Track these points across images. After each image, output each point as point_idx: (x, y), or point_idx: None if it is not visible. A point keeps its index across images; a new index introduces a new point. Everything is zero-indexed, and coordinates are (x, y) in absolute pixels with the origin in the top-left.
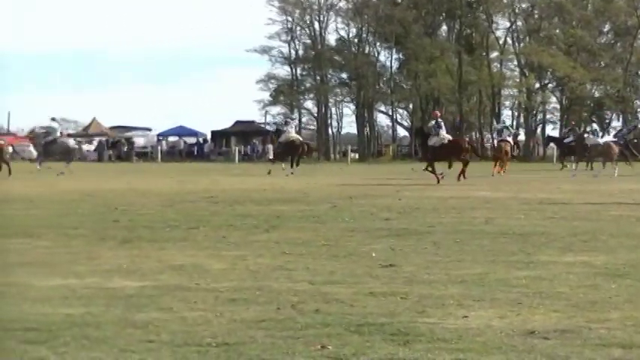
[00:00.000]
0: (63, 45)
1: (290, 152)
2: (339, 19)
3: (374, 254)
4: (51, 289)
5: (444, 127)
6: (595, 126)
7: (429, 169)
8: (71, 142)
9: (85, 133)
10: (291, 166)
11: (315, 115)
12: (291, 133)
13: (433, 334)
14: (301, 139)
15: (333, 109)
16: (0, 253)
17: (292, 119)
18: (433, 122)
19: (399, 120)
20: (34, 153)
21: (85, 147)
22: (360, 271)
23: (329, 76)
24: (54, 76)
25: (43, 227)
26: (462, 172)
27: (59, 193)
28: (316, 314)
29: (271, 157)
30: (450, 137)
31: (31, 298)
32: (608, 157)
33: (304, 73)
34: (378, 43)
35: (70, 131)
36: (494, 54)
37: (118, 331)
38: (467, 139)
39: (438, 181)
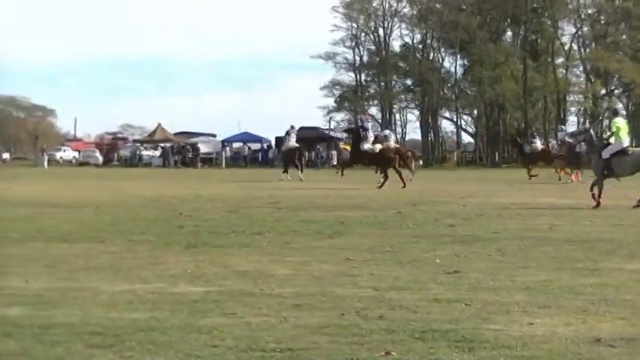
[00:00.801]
0: (130, 52)
1: (291, 158)
2: (404, 25)
3: (438, 260)
4: (117, 293)
5: (371, 132)
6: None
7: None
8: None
9: (151, 139)
10: (300, 172)
11: (380, 121)
12: (291, 141)
13: (498, 341)
14: (297, 145)
15: (397, 115)
16: (68, 258)
17: (293, 129)
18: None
19: (463, 126)
20: (100, 159)
21: (150, 153)
22: (425, 278)
23: (393, 82)
24: (120, 82)
25: (109, 232)
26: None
27: (125, 199)
28: (380, 320)
29: (335, 163)
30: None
31: (98, 302)
32: None
33: (368, 79)
34: (442, 49)
35: (136, 137)
36: (560, 60)
37: (183, 335)
38: (396, 146)
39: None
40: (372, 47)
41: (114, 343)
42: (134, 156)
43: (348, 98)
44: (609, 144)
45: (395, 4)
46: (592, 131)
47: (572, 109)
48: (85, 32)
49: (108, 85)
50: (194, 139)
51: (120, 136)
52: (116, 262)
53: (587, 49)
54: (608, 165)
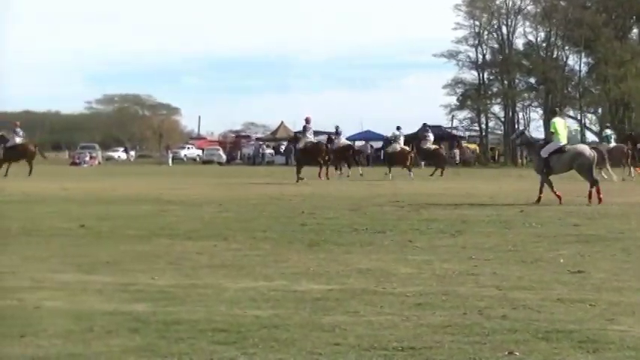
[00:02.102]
0: (252, 50)
1: (312, 156)
2: (527, 23)
3: (562, 260)
4: (240, 291)
5: (312, 132)
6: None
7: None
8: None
9: (273, 138)
10: (324, 171)
11: (502, 119)
12: (309, 137)
13: (623, 343)
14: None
15: (521, 114)
16: (192, 256)
17: (309, 126)
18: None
19: (587, 125)
20: (224, 157)
21: (272, 151)
22: (548, 277)
23: (516, 80)
24: (243, 80)
25: (232, 230)
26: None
27: (248, 197)
28: (503, 320)
29: (458, 161)
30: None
31: (222, 299)
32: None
33: (491, 77)
34: (566, 47)
35: (259, 135)
36: None
37: (306, 333)
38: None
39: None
40: (495, 45)
41: (237, 339)
42: (257, 154)
43: (471, 97)
44: (547, 143)
45: (519, 2)
46: (527, 132)
47: None
48: (207, 31)
49: (230, 83)
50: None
51: (243, 134)
52: (239, 260)
53: None
54: (547, 163)
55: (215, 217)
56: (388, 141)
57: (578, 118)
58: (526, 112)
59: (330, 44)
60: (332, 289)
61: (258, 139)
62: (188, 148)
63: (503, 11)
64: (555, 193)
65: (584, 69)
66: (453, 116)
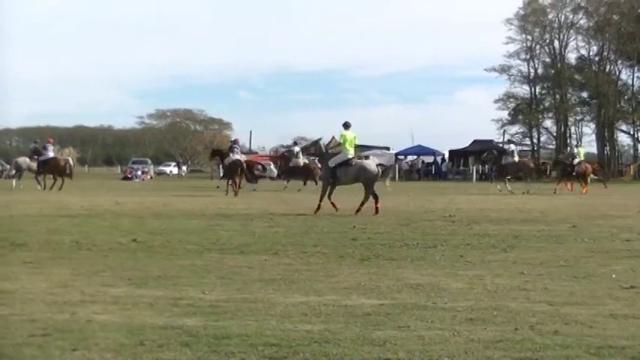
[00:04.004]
0: (301, 64)
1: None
2: (580, 38)
3: (614, 275)
4: (291, 305)
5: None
6: (512, 146)
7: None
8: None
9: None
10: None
11: (555, 134)
12: (300, 158)
13: None
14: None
15: (573, 128)
16: (242, 270)
17: (297, 144)
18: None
19: None
20: (275, 171)
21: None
22: (600, 293)
23: (569, 94)
24: (292, 95)
25: (283, 244)
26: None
27: (298, 211)
28: (555, 335)
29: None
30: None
31: (272, 314)
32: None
33: (543, 91)
34: (619, 61)
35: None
36: None
37: (356, 348)
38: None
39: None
40: (547, 59)
41: (287, 354)
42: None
43: (523, 111)
44: (337, 154)
45: (571, 16)
46: (321, 143)
47: None
48: (256, 46)
49: (282, 97)
50: (367, 152)
51: None
52: (290, 274)
53: None
54: (334, 174)
55: (266, 232)
56: (289, 156)
57: (631, 132)
58: (578, 127)
59: (381, 59)
60: (383, 304)
61: (309, 153)
62: None
63: (556, 25)
64: (331, 201)
65: (637, 83)
66: (504, 131)
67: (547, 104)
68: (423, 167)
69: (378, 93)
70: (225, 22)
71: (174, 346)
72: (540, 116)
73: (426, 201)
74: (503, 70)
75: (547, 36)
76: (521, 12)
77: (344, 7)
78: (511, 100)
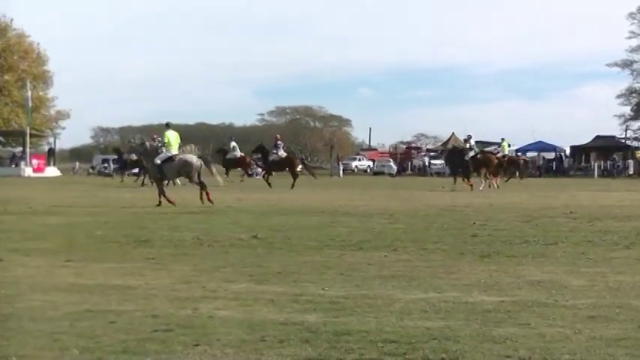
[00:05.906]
0: (420, 61)
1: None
2: None
3: None
4: (411, 302)
5: (281, 148)
6: (472, 142)
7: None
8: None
9: (443, 149)
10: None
11: None
12: (280, 152)
13: None
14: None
15: None
16: (362, 266)
17: (279, 145)
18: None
19: None
20: (395, 168)
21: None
22: None
23: None
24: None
25: (403, 241)
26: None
27: (418, 208)
28: None
29: (631, 172)
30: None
31: (392, 310)
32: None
33: None
34: None
35: (429, 146)
36: None
37: (476, 345)
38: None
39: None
40: None
41: (407, 351)
42: (428, 165)
43: None
44: (162, 152)
45: None
46: (147, 143)
47: None
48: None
49: (400, 94)
50: (487, 149)
51: (413, 145)
52: (410, 271)
53: None
54: (161, 170)
55: (386, 228)
56: (225, 150)
57: None
58: None
59: (506, 56)
60: (503, 301)
61: (428, 150)
62: (359, 159)
63: None
64: (168, 198)
65: None
66: (627, 126)
67: None
68: (544, 163)
69: (498, 89)
70: (345, 20)
71: (294, 342)
72: None
73: (547, 197)
74: (626, 65)
75: None
76: None
77: (464, 4)
78: (634, 95)
